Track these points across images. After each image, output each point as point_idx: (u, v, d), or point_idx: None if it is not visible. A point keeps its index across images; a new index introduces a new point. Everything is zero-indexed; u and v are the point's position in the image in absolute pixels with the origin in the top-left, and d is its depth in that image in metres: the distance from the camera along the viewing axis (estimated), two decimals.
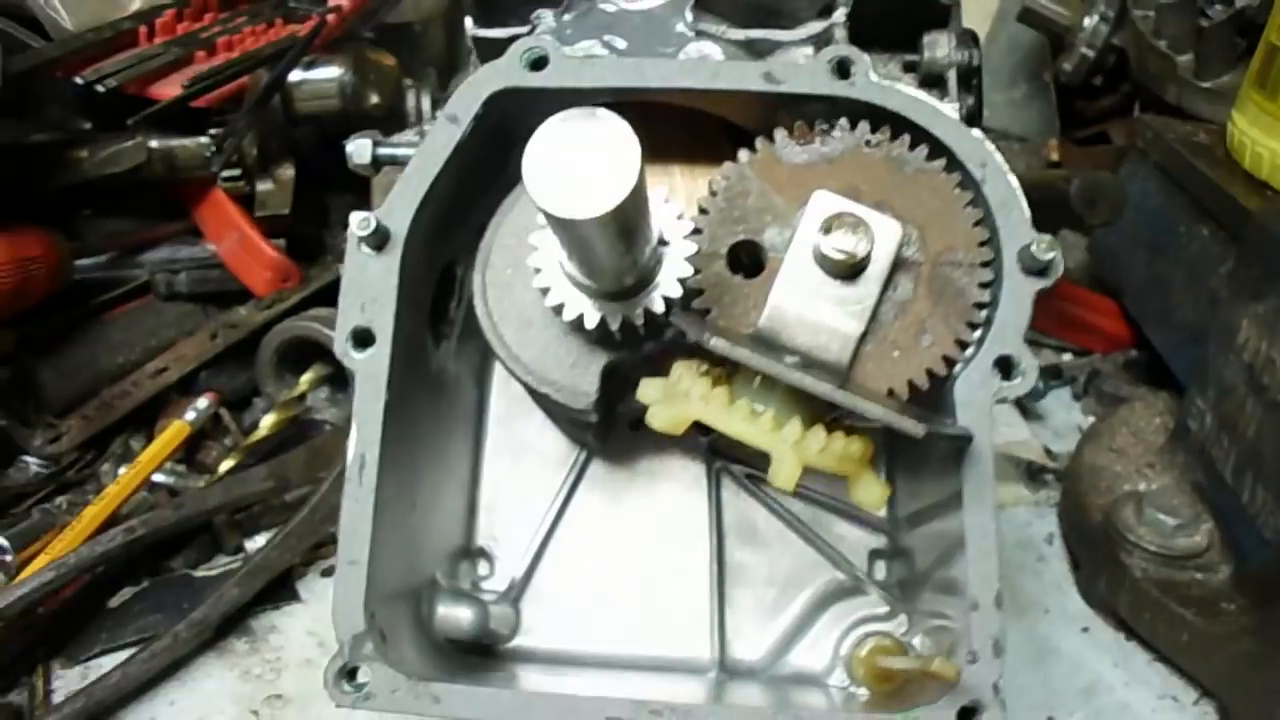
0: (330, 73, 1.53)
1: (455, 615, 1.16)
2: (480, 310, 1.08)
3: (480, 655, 1.22)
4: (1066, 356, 2.03)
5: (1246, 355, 1.39)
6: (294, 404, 1.54)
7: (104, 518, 1.37)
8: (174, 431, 1.47)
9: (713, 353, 0.87)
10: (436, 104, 1.50)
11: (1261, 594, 1.31)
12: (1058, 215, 1.75)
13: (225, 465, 1.47)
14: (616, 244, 0.88)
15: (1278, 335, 1.33)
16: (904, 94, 1.00)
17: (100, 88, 1.40)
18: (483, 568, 1.29)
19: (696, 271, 0.99)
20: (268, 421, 1.53)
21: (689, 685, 1.21)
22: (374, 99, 1.52)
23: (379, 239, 1.01)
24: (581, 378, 1.05)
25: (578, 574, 1.29)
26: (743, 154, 1.02)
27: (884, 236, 0.96)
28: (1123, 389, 1.86)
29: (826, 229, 0.94)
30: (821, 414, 0.90)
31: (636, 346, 1.04)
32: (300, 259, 1.69)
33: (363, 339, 1.00)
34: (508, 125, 1.11)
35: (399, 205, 1.02)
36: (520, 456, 1.31)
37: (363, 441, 0.99)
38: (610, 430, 1.26)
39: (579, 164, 0.81)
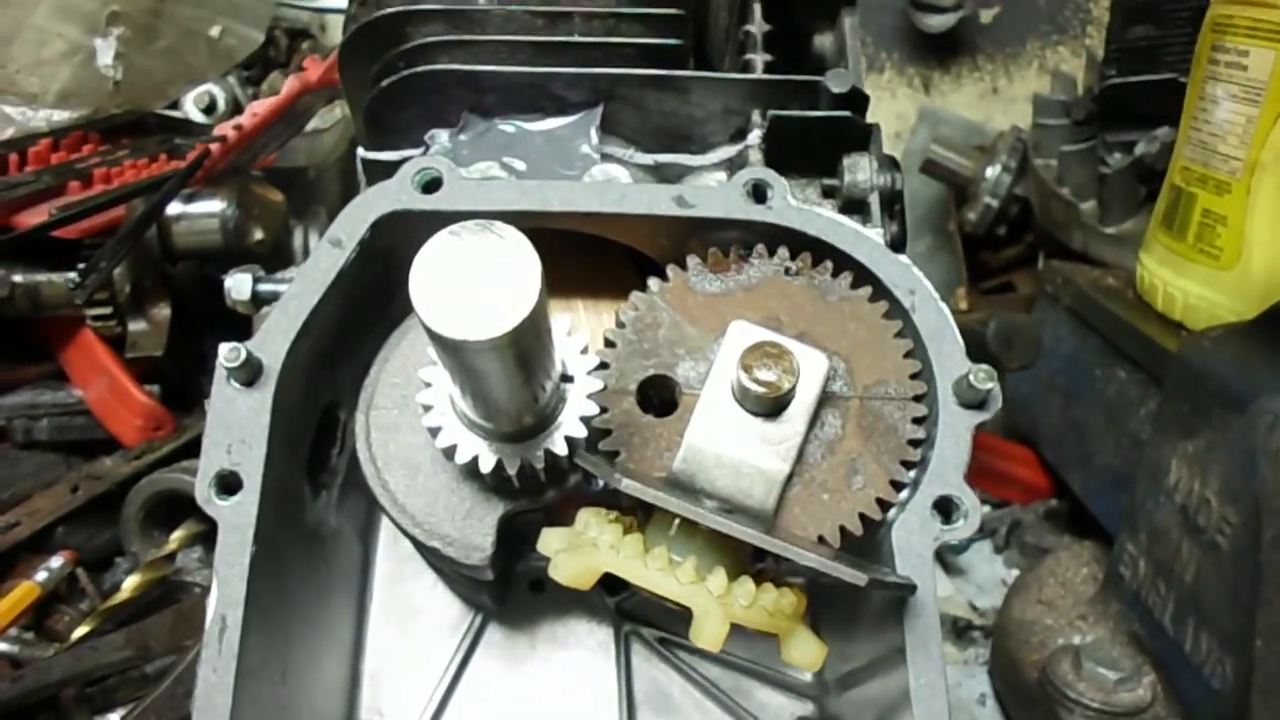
0: (212, 206, 1.44)
1: None
2: (363, 455, 0.97)
3: None
4: (985, 508, 1.96)
5: (1179, 497, 1.34)
6: (162, 564, 1.38)
7: None
8: (21, 594, 1.30)
9: (623, 498, 0.78)
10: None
11: None
12: (976, 356, 1.73)
13: (79, 631, 1.30)
14: (514, 375, 0.79)
15: (1211, 473, 1.28)
16: (824, 218, 0.95)
17: None
18: None
19: (603, 410, 0.90)
20: (130, 583, 1.36)
21: None
22: (258, 235, 1.43)
23: (250, 373, 0.90)
24: (475, 530, 0.94)
25: None
26: (653, 282, 0.95)
27: (809, 368, 0.89)
28: (1046, 539, 1.80)
29: (746, 362, 0.87)
30: (747, 565, 0.80)
31: (537, 494, 0.94)
32: (174, 407, 1.56)
33: (228, 484, 0.88)
34: (397, 253, 1.03)
35: (274, 336, 0.92)
36: (409, 620, 1.19)
37: (224, 600, 0.86)
38: (508, 590, 1.15)
39: (473, 281, 0.73)
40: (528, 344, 0.76)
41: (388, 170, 1.08)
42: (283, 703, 0.97)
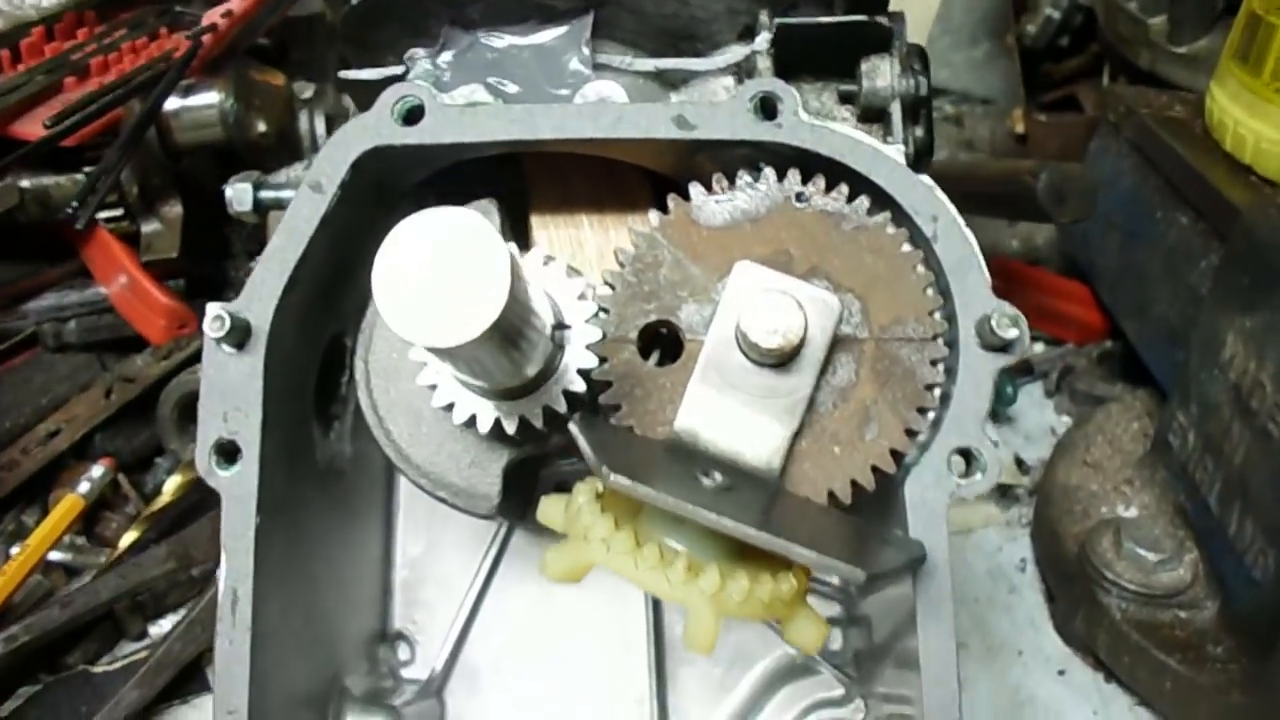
0: (210, 98, 1.37)
1: None
2: (364, 402, 0.95)
3: None
4: (1038, 346, 1.90)
5: (1233, 374, 1.27)
6: None
7: None
8: (66, 508, 1.34)
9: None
10: (331, 123, 1.36)
11: (1251, 642, 1.21)
12: (1024, 210, 1.62)
13: (126, 538, 1.34)
14: (499, 355, 0.75)
15: (1268, 356, 1.20)
16: (839, 135, 0.87)
17: None
18: (403, 652, 1.19)
19: (603, 360, 0.86)
20: (172, 485, 1.39)
21: None
22: (261, 127, 1.37)
23: (238, 335, 0.87)
24: (481, 479, 0.93)
25: (505, 656, 1.18)
26: (653, 216, 0.89)
27: (819, 315, 0.83)
28: (1098, 387, 1.74)
29: (750, 317, 0.81)
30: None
31: (542, 440, 0.91)
32: (201, 297, 1.55)
33: (227, 453, 0.87)
34: (386, 181, 0.98)
35: (260, 295, 0.89)
36: (437, 531, 1.20)
37: (233, 574, 0.86)
38: (530, 501, 1.14)
39: (439, 279, 0.68)
40: (508, 328, 0.71)
41: (370, 90, 1.00)
42: (310, 640, 0.99)
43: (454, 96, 0.91)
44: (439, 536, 1.20)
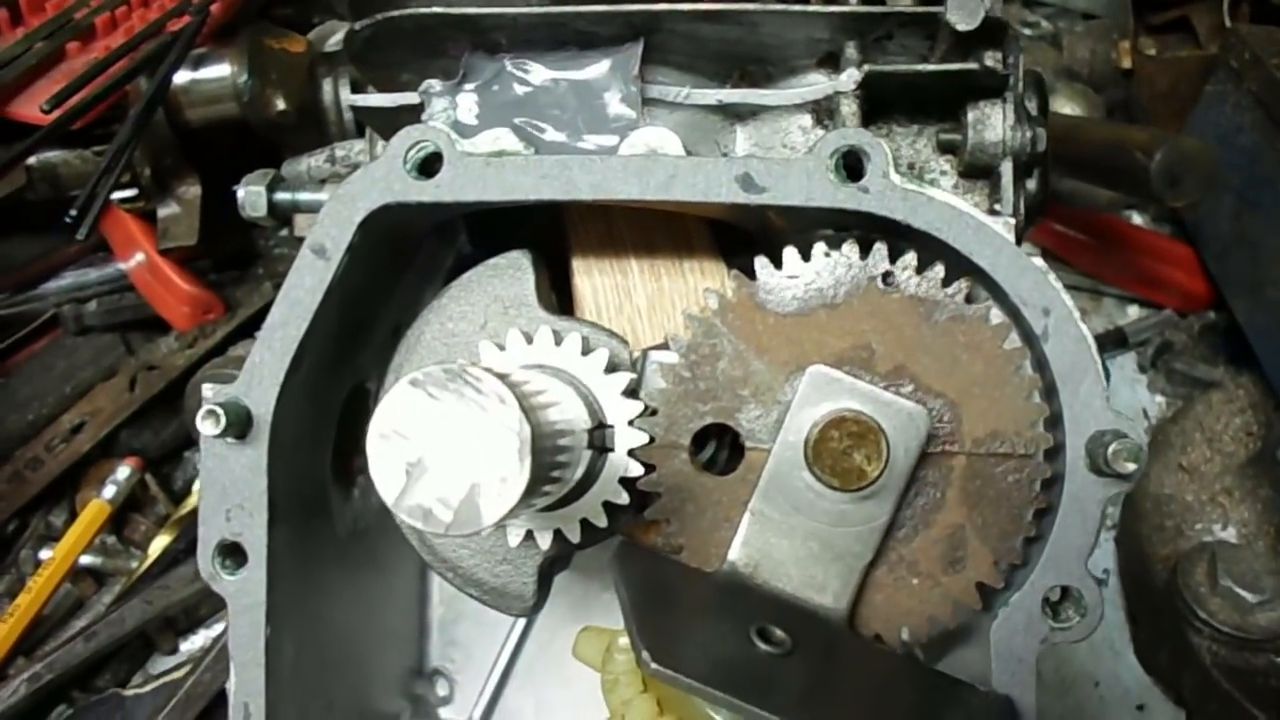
0: (222, 71, 1.24)
1: None
2: None
3: None
4: (1133, 310, 1.74)
5: None
6: None
7: (18, 634, 1.20)
8: (92, 515, 1.28)
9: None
10: (357, 90, 1.22)
11: None
12: (1131, 186, 1.45)
13: (156, 543, 1.29)
14: (520, 508, 0.64)
15: None
16: (937, 204, 0.72)
17: None
18: (441, 688, 1.13)
19: (649, 469, 0.75)
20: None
21: None
22: (280, 104, 1.23)
23: (239, 427, 0.77)
24: (514, 578, 0.83)
25: (547, 699, 1.12)
26: (711, 298, 0.76)
27: (904, 432, 0.71)
28: (1198, 368, 1.59)
29: (823, 441, 0.69)
30: None
31: (581, 547, 0.81)
32: (228, 270, 1.45)
33: (233, 555, 0.78)
34: (405, 225, 0.86)
35: (262, 379, 0.79)
36: None
37: (244, 688, 0.80)
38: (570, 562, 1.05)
39: (447, 453, 0.57)
40: (531, 491, 0.60)
41: (387, 118, 0.88)
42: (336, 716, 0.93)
43: (477, 143, 0.77)
44: None
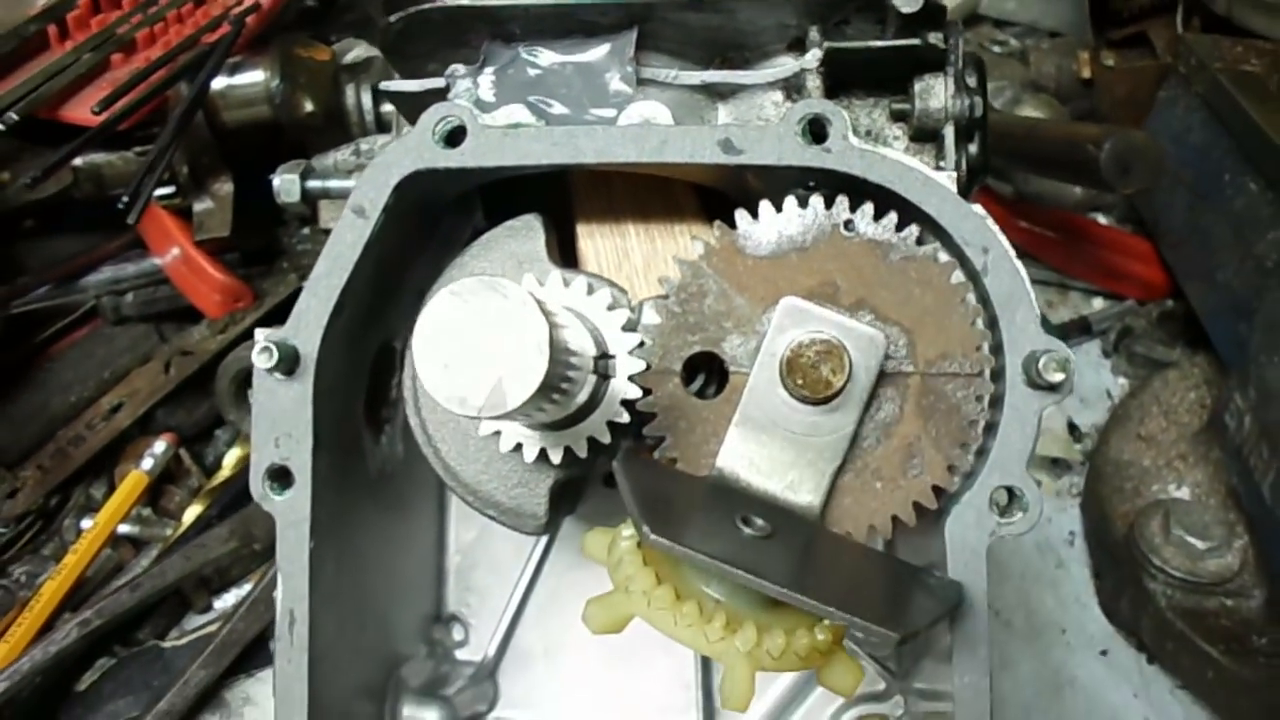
0: (255, 77, 1.37)
1: (420, 718, 1.09)
2: (413, 421, 0.96)
3: None
4: (1097, 302, 1.86)
5: None
6: None
7: (65, 591, 1.30)
8: (131, 485, 1.39)
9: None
10: (378, 97, 1.35)
11: None
12: (1087, 177, 1.57)
13: (190, 512, 1.39)
14: (541, 403, 0.75)
15: None
16: (889, 161, 0.84)
17: (1, 125, 1.26)
18: (457, 633, 1.22)
19: (647, 392, 0.86)
20: (231, 458, 1.44)
21: None
22: (308, 106, 1.36)
23: (287, 363, 0.89)
24: (528, 499, 0.94)
25: (556, 640, 1.22)
26: (698, 245, 0.87)
27: (865, 352, 0.83)
28: (1157, 350, 1.71)
29: (794, 359, 0.81)
30: None
31: (588, 464, 0.92)
32: (255, 265, 1.57)
33: (280, 478, 0.89)
34: (428, 196, 0.97)
35: (307, 321, 0.90)
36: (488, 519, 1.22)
37: (290, 595, 0.90)
38: (579, 499, 1.16)
39: (478, 350, 0.69)
40: (547, 384, 0.71)
41: (412, 102, 1.00)
42: (366, 643, 1.03)
43: (495, 117, 0.89)
44: (490, 524, 1.20)
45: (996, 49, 2.21)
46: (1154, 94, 1.81)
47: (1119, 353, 1.76)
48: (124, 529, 1.40)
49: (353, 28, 1.77)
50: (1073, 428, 1.65)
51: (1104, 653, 1.37)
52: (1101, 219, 1.92)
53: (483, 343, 0.68)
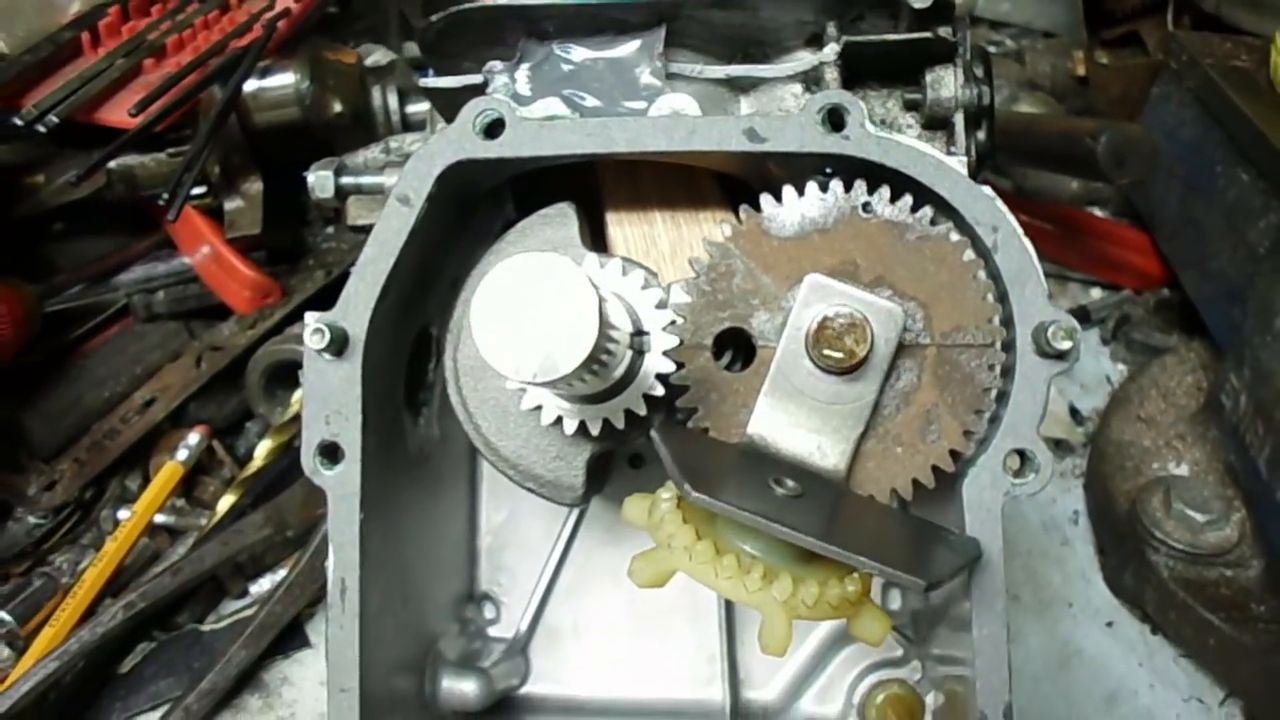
0: (286, 79, 1.42)
1: (460, 689, 1.14)
2: (454, 398, 1.01)
3: (489, 712, 1.20)
4: (1095, 292, 1.92)
5: None
6: (288, 427, 1.49)
7: (106, 578, 1.35)
8: (167, 475, 1.43)
9: None
10: (404, 98, 1.40)
11: None
12: (1084, 169, 1.63)
13: (224, 502, 1.44)
14: (585, 374, 0.80)
15: None
16: (904, 147, 0.90)
17: (41, 127, 1.31)
18: (489, 611, 1.27)
19: (680, 366, 0.92)
20: (263, 449, 1.48)
21: None
22: (336, 107, 1.41)
23: (337, 344, 0.93)
24: (565, 471, 0.99)
25: (586, 616, 1.26)
26: (726, 227, 0.93)
27: (884, 325, 0.88)
28: (1154, 337, 1.76)
29: (818, 331, 0.86)
30: None
31: (623, 438, 0.97)
32: (281, 263, 1.62)
33: (330, 454, 0.94)
34: (467, 185, 1.03)
35: (355, 305, 0.95)
36: (518, 499, 1.27)
37: (341, 565, 0.94)
38: (607, 478, 1.21)
39: (532, 320, 0.74)
40: (593, 359, 0.77)
41: (450, 97, 1.05)
42: (407, 615, 1.08)
43: (532, 110, 0.95)
44: (520, 504, 1.27)
45: (993, 49, 2.27)
46: (1147, 91, 1.87)
47: (1117, 340, 1.82)
48: (160, 519, 1.45)
49: (368, 34, 1.83)
50: (1074, 412, 1.70)
51: (1109, 625, 1.42)
52: (1098, 212, 1.98)
53: (536, 313, 0.73)
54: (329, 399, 0.94)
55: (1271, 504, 1.30)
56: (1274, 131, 1.48)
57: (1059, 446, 1.66)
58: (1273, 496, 1.29)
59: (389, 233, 0.95)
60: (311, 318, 0.94)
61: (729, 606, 1.23)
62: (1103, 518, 1.51)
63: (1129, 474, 1.49)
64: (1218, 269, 1.62)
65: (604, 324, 0.76)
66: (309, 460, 0.94)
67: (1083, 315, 1.86)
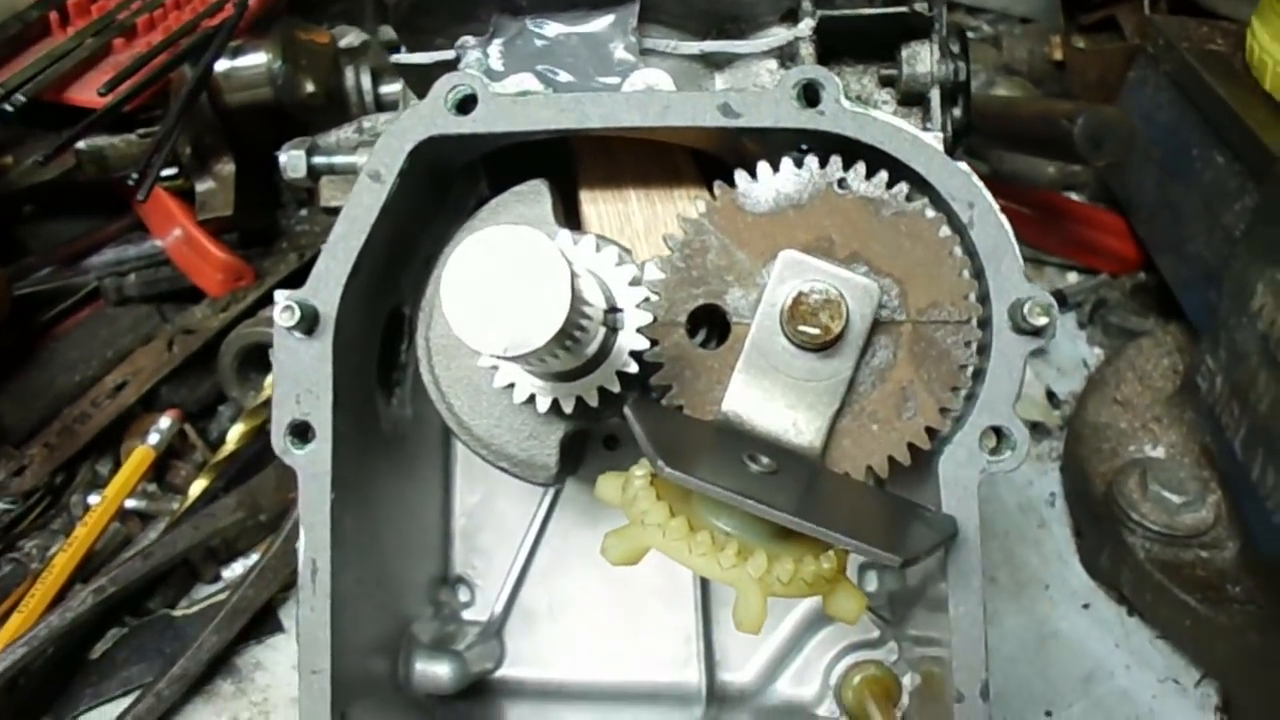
0: (258, 59, 1.40)
1: (434, 672, 1.13)
2: (426, 378, 1.00)
3: (463, 695, 1.19)
4: (1071, 276, 1.92)
5: (1261, 324, 1.30)
6: (260, 410, 1.48)
7: (76, 563, 1.33)
8: (138, 459, 1.41)
9: None
10: (377, 78, 1.38)
11: (1270, 584, 1.27)
12: (1060, 151, 1.63)
13: (195, 486, 1.42)
14: (557, 350, 0.79)
15: None
16: (880, 123, 0.89)
17: (9, 106, 1.29)
18: (463, 594, 1.26)
19: (654, 343, 0.91)
20: (235, 433, 1.47)
21: (678, 718, 1.19)
22: (309, 87, 1.39)
23: (308, 322, 0.92)
24: (539, 450, 0.99)
25: (560, 599, 1.25)
26: (700, 203, 0.92)
27: (860, 301, 0.87)
28: (1130, 320, 1.77)
29: (793, 307, 0.86)
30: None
31: (596, 417, 0.97)
32: (254, 246, 1.60)
33: (301, 433, 0.93)
34: (440, 162, 1.01)
35: (326, 282, 0.93)
36: (492, 481, 1.26)
37: (312, 545, 0.93)
38: (581, 459, 1.20)
39: (503, 292, 0.73)
40: (564, 329, 0.76)
41: (423, 73, 1.04)
42: (381, 596, 1.07)
43: (505, 85, 0.94)
44: (494, 486, 1.26)
45: (970, 35, 2.26)
46: (1123, 75, 1.87)
47: (1094, 324, 1.82)
48: (131, 504, 1.43)
49: (342, 16, 1.81)
50: (1051, 395, 1.71)
51: (1086, 606, 1.42)
52: (1074, 196, 1.98)
53: (507, 286, 0.72)
54: (299, 378, 0.93)
55: (1247, 485, 1.30)
56: (1250, 115, 1.48)
57: (1036, 429, 1.66)
58: (1248, 478, 1.29)
59: (360, 209, 0.94)
60: (282, 295, 0.93)
61: (705, 588, 1.22)
62: (1079, 500, 1.51)
63: (1105, 456, 1.49)
64: (1194, 252, 1.62)
65: (576, 298, 0.75)
66: (279, 440, 0.93)
67: (1059, 299, 1.86)
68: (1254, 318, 1.31)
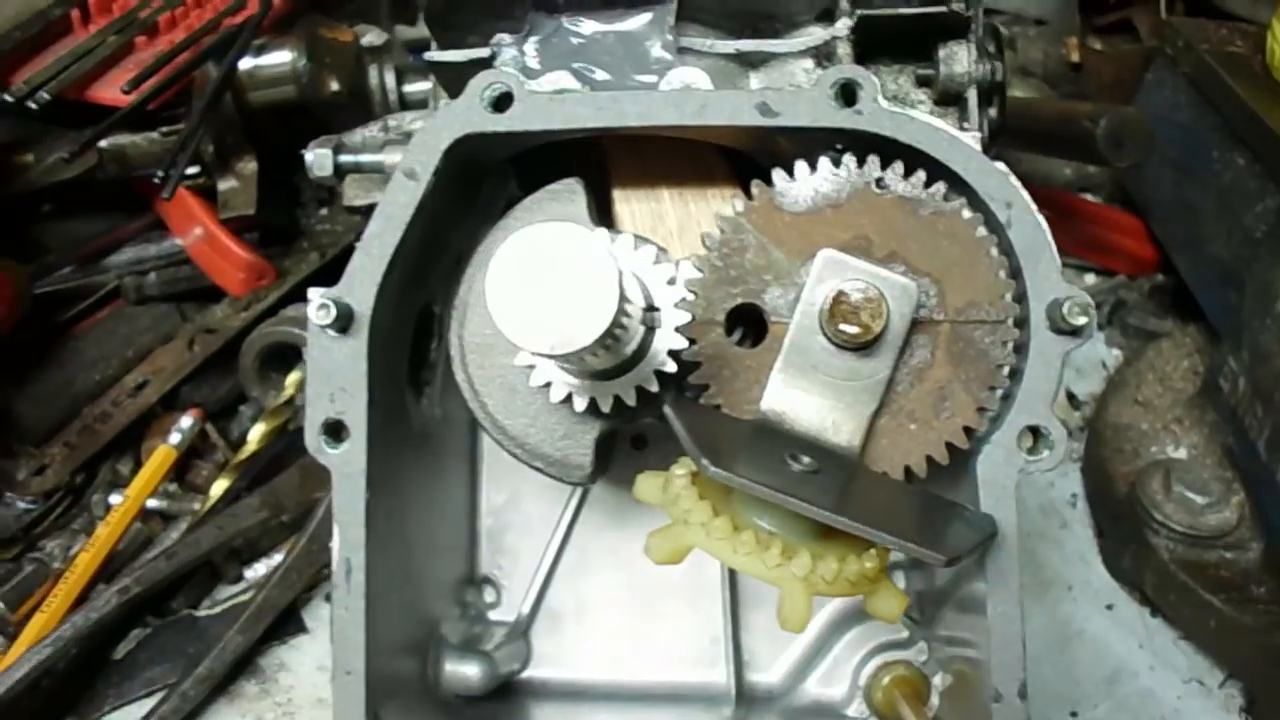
0: (282, 57, 1.40)
1: (463, 673, 1.13)
2: (460, 376, 1.00)
3: (490, 696, 1.19)
4: (1089, 278, 1.92)
5: None
6: (282, 410, 1.47)
7: (98, 563, 1.33)
8: (160, 458, 1.41)
9: None
10: (401, 76, 1.38)
11: None
12: (1081, 152, 1.63)
13: (217, 486, 1.42)
14: (595, 351, 0.79)
15: None
16: (918, 122, 0.89)
17: (32, 104, 1.28)
18: (489, 595, 1.26)
19: (692, 342, 0.91)
20: (257, 433, 1.46)
21: (705, 719, 1.19)
22: (333, 85, 1.39)
23: (342, 320, 0.92)
24: (573, 450, 0.98)
25: (587, 599, 1.25)
26: (738, 202, 0.92)
27: (898, 301, 0.87)
28: (1149, 321, 1.77)
29: (832, 308, 0.85)
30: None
31: (633, 417, 0.96)
32: (275, 244, 1.59)
33: (335, 432, 0.93)
34: (474, 160, 1.01)
35: (361, 280, 0.93)
36: (518, 481, 1.26)
37: (346, 545, 0.93)
38: (610, 458, 1.19)
39: (549, 291, 0.73)
40: (608, 333, 0.75)
41: (456, 72, 1.03)
42: (411, 597, 1.07)
43: (541, 83, 0.93)
44: (520, 486, 1.25)
45: None
46: (1139, 77, 1.87)
47: (1113, 325, 1.82)
48: (152, 503, 1.42)
49: (358, 15, 1.81)
50: (1071, 396, 1.70)
51: (1109, 607, 1.42)
52: (1091, 197, 1.98)
53: (553, 284, 0.72)
54: (334, 376, 0.93)
55: (1271, 486, 1.30)
56: (1271, 115, 1.48)
57: None
58: (1272, 478, 1.29)
59: (395, 206, 0.94)
60: (316, 293, 0.92)
61: (733, 588, 1.22)
62: (1101, 501, 1.51)
63: (1127, 457, 1.49)
64: (1213, 253, 1.62)
65: (620, 298, 0.75)
66: (313, 438, 0.93)
67: None
68: (1277, 319, 1.31)
